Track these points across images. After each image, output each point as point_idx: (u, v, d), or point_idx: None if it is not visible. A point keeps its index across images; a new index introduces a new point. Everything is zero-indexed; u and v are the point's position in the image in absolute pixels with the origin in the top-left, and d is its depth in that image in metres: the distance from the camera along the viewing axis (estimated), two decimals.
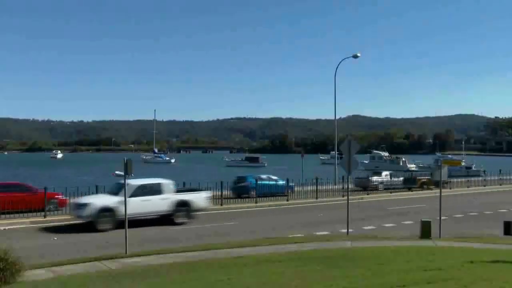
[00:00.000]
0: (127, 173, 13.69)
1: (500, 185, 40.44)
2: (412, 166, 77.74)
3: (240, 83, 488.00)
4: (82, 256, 12.91)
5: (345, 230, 16.85)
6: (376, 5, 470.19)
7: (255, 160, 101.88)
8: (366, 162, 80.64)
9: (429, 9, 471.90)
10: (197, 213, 20.69)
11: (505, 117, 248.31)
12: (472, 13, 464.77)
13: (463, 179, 41.98)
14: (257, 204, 25.97)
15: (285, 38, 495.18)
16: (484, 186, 39.51)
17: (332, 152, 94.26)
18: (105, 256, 12.36)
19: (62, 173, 70.58)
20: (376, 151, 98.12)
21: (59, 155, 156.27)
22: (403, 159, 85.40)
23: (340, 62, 36.17)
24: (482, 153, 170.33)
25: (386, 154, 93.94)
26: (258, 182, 28.48)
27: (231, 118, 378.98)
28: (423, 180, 36.46)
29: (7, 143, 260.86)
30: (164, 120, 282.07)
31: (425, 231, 15.56)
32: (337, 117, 38.02)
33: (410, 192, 33.85)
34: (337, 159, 39.44)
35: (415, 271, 8.74)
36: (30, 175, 60.46)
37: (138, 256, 12.53)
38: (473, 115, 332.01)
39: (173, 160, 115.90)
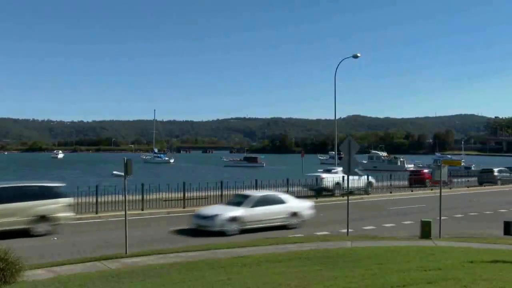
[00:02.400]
0: (127, 173, 13.67)
1: (500, 185, 40.49)
2: (410, 167, 77.82)
3: (240, 83, 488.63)
4: (82, 256, 12.90)
5: (345, 230, 16.84)
6: (377, 9, 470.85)
7: (254, 160, 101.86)
8: (365, 162, 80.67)
9: (430, 14, 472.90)
10: None
11: (505, 117, 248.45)
12: (472, 16, 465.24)
13: (463, 179, 42.12)
14: None
15: (286, 39, 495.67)
16: (484, 186, 39.54)
17: (331, 152, 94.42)
18: (105, 256, 12.36)
19: (68, 174, 70.46)
20: (374, 151, 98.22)
21: (60, 155, 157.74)
22: (401, 159, 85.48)
23: (340, 62, 36.21)
24: (482, 153, 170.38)
25: (385, 154, 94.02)
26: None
27: (231, 118, 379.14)
28: None
29: (7, 143, 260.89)
30: (164, 120, 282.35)
31: (425, 231, 15.56)
32: (337, 117, 38.03)
33: (410, 192, 33.88)
34: (336, 159, 39.56)
35: (415, 271, 8.73)
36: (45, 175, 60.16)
37: (138, 256, 12.53)
38: (473, 115, 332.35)
39: (172, 160, 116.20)
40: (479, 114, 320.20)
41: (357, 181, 30.62)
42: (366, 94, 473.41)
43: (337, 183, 29.98)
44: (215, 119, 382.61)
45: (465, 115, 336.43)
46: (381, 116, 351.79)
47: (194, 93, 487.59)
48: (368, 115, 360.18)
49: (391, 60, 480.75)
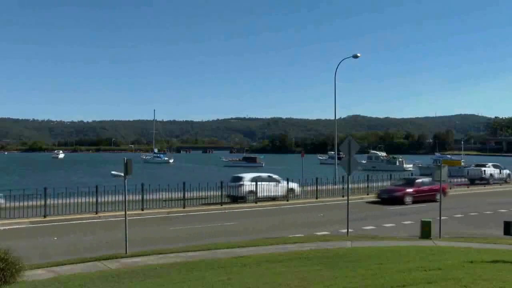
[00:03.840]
0: (127, 173, 13.67)
1: (500, 185, 40.46)
2: (409, 166, 77.70)
3: (240, 84, 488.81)
4: (82, 256, 12.90)
5: (345, 230, 16.84)
6: (377, 11, 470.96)
7: (253, 160, 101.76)
8: (364, 162, 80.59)
9: (430, 16, 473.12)
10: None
11: (505, 117, 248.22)
12: (472, 17, 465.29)
13: (463, 179, 42.07)
14: (257, 204, 25.96)
15: (287, 41, 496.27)
16: (484, 186, 39.52)
17: (330, 152, 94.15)
18: (105, 256, 12.36)
19: (71, 175, 70.41)
20: (373, 151, 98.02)
21: (61, 155, 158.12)
22: (400, 159, 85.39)
23: (340, 62, 36.13)
24: (482, 153, 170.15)
25: (384, 154, 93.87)
26: None
27: (231, 118, 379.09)
28: None
29: (7, 143, 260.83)
30: (164, 120, 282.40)
31: (425, 231, 15.56)
32: (337, 117, 37.93)
33: None
34: (336, 159, 39.52)
35: (415, 271, 8.72)
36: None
37: (138, 256, 12.53)
38: (473, 115, 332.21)
39: (171, 160, 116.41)
40: (479, 114, 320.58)
41: (502, 172, 42.09)
42: (366, 94, 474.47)
43: (491, 174, 41.21)
44: (215, 119, 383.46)
45: (465, 115, 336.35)
46: (381, 116, 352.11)
47: (194, 93, 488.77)
48: (368, 115, 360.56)
49: (392, 61, 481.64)
